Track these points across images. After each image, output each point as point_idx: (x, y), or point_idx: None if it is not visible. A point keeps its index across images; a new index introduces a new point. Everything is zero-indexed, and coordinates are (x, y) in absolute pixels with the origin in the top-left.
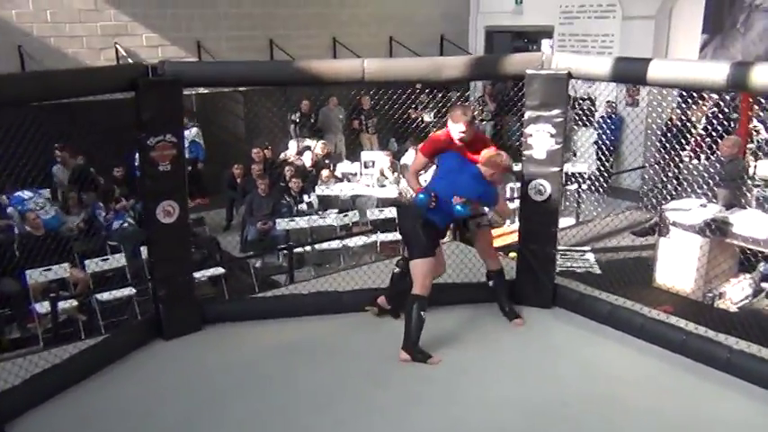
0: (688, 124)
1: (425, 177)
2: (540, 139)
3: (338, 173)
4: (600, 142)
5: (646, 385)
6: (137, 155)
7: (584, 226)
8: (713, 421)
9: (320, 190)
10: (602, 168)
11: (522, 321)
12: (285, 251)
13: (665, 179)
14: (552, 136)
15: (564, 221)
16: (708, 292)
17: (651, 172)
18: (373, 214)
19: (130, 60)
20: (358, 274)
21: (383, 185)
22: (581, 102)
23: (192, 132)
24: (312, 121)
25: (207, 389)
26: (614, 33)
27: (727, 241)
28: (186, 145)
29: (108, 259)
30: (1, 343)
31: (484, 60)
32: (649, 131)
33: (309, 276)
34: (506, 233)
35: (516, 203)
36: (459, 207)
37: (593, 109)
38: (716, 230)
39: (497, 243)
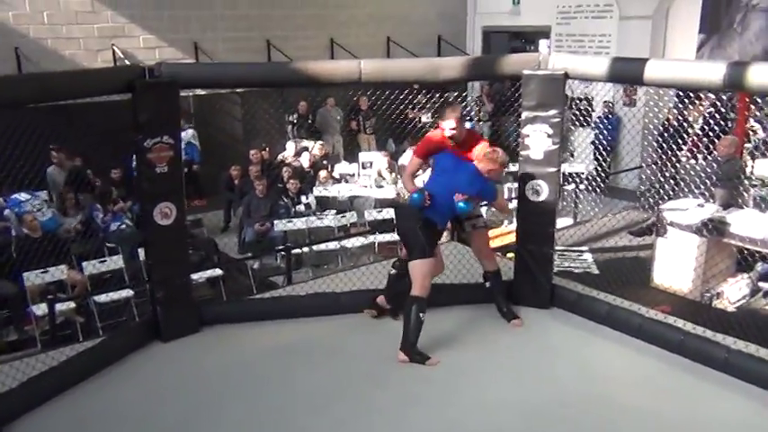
0: (685, 124)
1: (423, 178)
2: (537, 139)
3: (336, 174)
4: (597, 142)
5: (644, 385)
6: (134, 156)
7: (581, 226)
8: (711, 421)
9: (318, 191)
10: (600, 168)
11: (521, 322)
12: (283, 252)
13: (662, 179)
14: (549, 136)
15: (561, 222)
16: (705, 292)
17: (648, 172)
18: (371, 215)
19: (128, 62)
20: (356, 275)
21: (381, 186)
22: (578, 102)
23: (187, 134)
24: (309, 122)
25: (205, 390)
26: (611, 33)
27: (725, 241)
28: (182, 147)
29: (106, 261)
30: None
31: (481, 61)
32: (646, 131)
33: (307, 277)
34: (504, 233)
35: (514, 204)
36: (461, 204)
37: (590, 109)
38: (713, 230)
39: (495, 243)
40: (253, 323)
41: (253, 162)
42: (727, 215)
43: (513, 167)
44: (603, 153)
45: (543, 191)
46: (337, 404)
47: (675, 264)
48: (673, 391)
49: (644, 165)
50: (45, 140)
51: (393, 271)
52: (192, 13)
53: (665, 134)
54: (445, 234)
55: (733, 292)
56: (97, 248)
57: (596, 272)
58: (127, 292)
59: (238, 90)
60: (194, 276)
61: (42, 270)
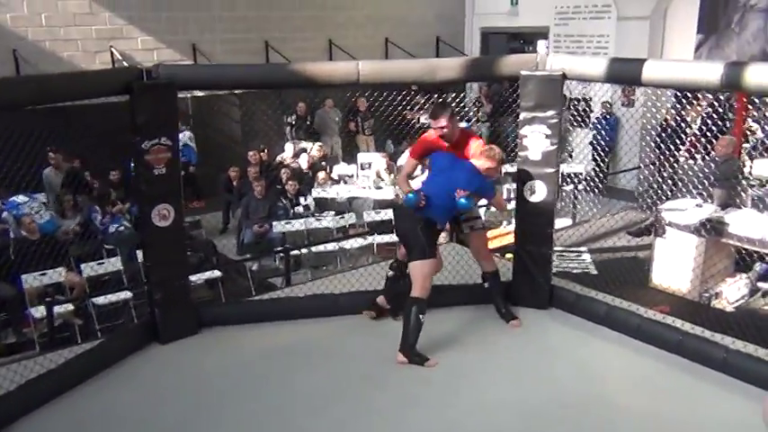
0: (683, 124)
1: (422, 179)
2: (535, 140)
3: (334, 175)
4: (595, 143)
5: (643, 386)
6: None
7: (580, 226)
8: (710, 421)
9: (316, 192)
10: (598, 169)
11: (519, 323)
12: (281, 254)
13: (660, 179)
14: (548, 137)
15: (560, 222)
16: (704, 292)
17: (647, 172)
18: (370, 216)
19: (126, 64)
20: (354, 276)
21: (380, 187)
22: (576, 102)
23: (184, 136)
24: (308, 123)
25: (204, 392)
26: (609, 34)
27: (723, 241)
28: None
29: (104, 263)
30: None
31: (478, 62)
32: (644, 132)
33: (306, 279)
34: (503, 234)
35: (512, 204)
36: (463, 200)
37: (587, 110)
38: (711, 230)
39: (494, 244)
40: (251, 325)
41: (251, 163)
42: (726, 215)
43: (512, 168)
44: (602, 153)
45: (542, 191)
46: (336, 405)
47: (674, 264)
48: (671, 392)
49: (642, 165)
50: (43, 142)
51: (391, 272)
52: (190, 15)
53: (664, 134)
54: (444, 235)
55: (731, 292)
56: (95, 250)
57: (595, 272)
58: (125, 294)
59: (237, 91)
60: (193, 278)
61: (41, 272)
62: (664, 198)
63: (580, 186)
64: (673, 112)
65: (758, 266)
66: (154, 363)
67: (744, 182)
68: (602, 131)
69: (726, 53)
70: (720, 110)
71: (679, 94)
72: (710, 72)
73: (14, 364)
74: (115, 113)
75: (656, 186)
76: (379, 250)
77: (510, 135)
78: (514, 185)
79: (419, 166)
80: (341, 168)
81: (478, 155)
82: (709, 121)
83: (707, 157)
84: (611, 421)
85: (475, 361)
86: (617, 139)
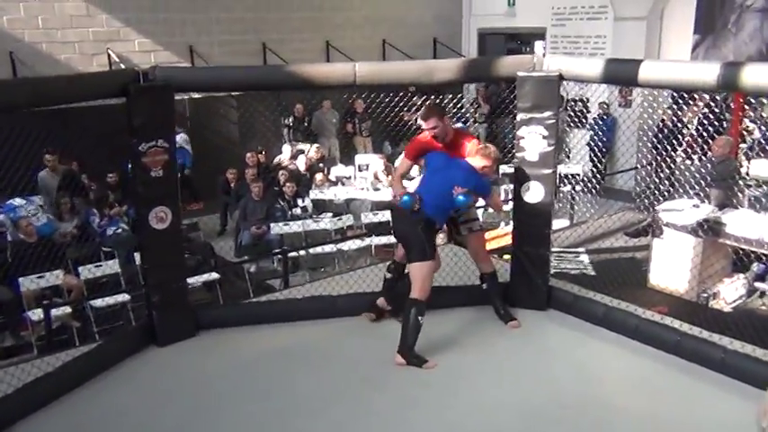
0: (680, 125)
1: (418, 180)
2: (532, 140)
3: (332, 176)
4: (593, 143)
5: (641, 386)
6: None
7: (578, 227)
8: (708, 422)
9: (314, 194)
10: (596, 170)
11: (518, 323)
12: (279, 256)
13: (657, 180)
14: (545, 138)
15: (558, 223)
16: (702, 293)
17: (644, 173)
18: (367, 218)
19: (123, 66)
20: (352, 278)
21: (377, 189)
22: (574, 103)
23: (179, 138)
24: (306, 124)
25: (202, 395)
26: (606, 35)
27: (721, 241)
28: None
29: (102, 265)
30: None
31: (475, 63)
32: (641, 132)
33: (304, 281)
34: (500, 235)
35: (510, 205)
36: (461, 197)
37: (585, 111)
38: (709, 231)
39: (492, 245)
40: (250, 327)
41: (249, 165)
42: (723, 215)
43: (510, 169)
44: (599, 154)
45: (539, 192)
46: (335, 407)
47: (672, 264)
48: (669, 392)
49: (640, 166)
50: (40, 144)
51: (389, 275)
52: (187, 17)
53: (661, 135)
54: (441, 236)
55: (729, 292)
56: (93, 252)
57: (593, 273)
58: (123, 297)
59: (234, 93)
60: (191, 280)
61: (38, 275)
62: (661, 199)
63: (578, 187)
64: (669, 112)
65: (755, 266)
66: (152, 365)
67: (741, 182)
68: (600, 132)
69: (723, 53)
70: (717, 110)
71: (676, 94)
72: (707, 72)
73: (12, 367)
74: (112, 115)
75: (653, 187)
76: (377, 252)
77: (507, 136)
78: (512, 186)
79: (417, 168)
80: (338, 170)
81: (474, 153)
82: (705, 122)
83: (704, 157)
84: (610, 422)
85: (473, 362)
86: (614, 139)
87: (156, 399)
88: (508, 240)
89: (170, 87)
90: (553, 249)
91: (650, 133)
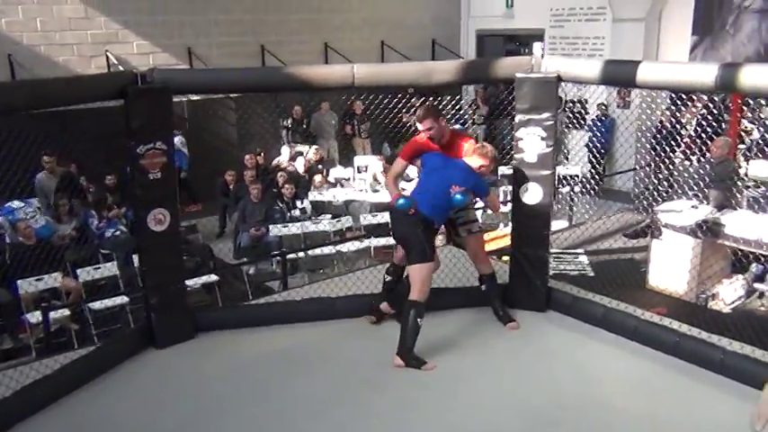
0: (678, 126)
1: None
2: (530, 142)
3: (331, 178)
4: (591, 145)
5: (640, 387)
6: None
7: (576, 228)
8: (707, 423)
9: (313, 195)
10: (595, 171)
11: (517, 325)
12: (278, 257)
13: (656, 181)
14: (543, 139)
15: (556, 224)
16: (701, 294)
17: (642, 174)
18: (366, 219)
19: (121, 68)
20: (351, 279)
21: (376, 190)
22: (572, 104)
23: (175, 141)
24: (304, 126)
25: (201, 397)
26: (605, 36)
27: (719, 242)
28: None
29: (100, 268)
30: None
31: (474, 64)
32: (640, 133)
33: (303, 282)
34: (499, 237)
35: (508, 207)
36: (458, 196)
37: (583, 112)
38: (708, 232)
39: (490, 247)
40: (248, 329)
41: (248, 167)
42: (722, 216)
43: (508, 170)
44: (598, 155)
45: (538, 194)
46: (335, 409)
47: (670, 265)
48: (668, 393)
49: (638, 167)
50: (38, 147)
51: (388, 277)
52: (185, 19)
53: (659, 136)
54: (440, 238)
55: (728, 293)
56: (91, 255)
57: (592, 274)
58: (121, 299)
59: (232, 95)
60: (190, 282)
61: (37, 277)
62: (660, 200)
63: (576, 188)
64: (668, 113)
65: (754, 267)
66: (150, 368)
67: (739, 183)
68: (598, 133)
69: (721, 54)
70: (716, 111)
71: (674, 95)
72: (705, 74)
73: (10, 369)
74: (111, 117)
75: (652, 188)
76: (376, 253)
77: (506, 137)
78: (510, 188)
79: (416, 169)
80: (337, 171)
81: (471, 153)
82: (704, 123)
83: (702, 158)
84: (609, 423)
85: (473, 364)
86: (613, 140)
87: (154, 401)
88: (507, 242)
89: (168, 89)
90: (552, 251)
91: (649, 134)
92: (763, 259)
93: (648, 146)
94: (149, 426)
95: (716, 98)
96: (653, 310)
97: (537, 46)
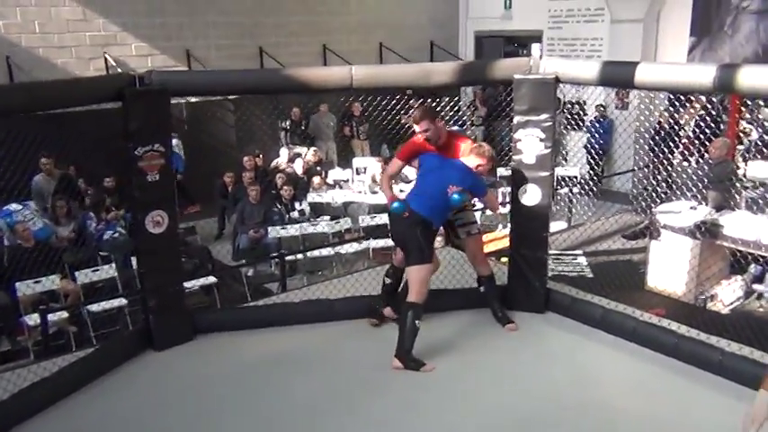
0: (676, 127)
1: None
2: (529, 143)
3: (330, 180)
4: (589, 146)
5: (639, 389)
6: None
7: (575, 230)
8: (706, 424)
9: (312, 197)
10: (593, 172)
11: (515, 326)
12: (277, 259)
13: (655, 182)
14: (541, 140)
15: (555, 225)
16: (699, 295)
17: (641, 175)
18: (365, 221)
19: (120, 70)
20: (350, 281)
21: (375, 192)
22: (571, 106)
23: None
24: (303, 128)
25: (199, 399)
26: (603, 37)
27: (718, 243)
28: None
29: (98, 270)
30: None
31: (472, 66)
32: (638, 134)
33: (302, 284)
34: (498, 238)
35: (507, 208)
36: (455, 196)
37: (581, 113)
38: (706, 233)
39: (489, 248)
40: (247, 331)
41: (246, 169)
42: (720, 217)
43: (507, 172)
44: (596, 156)
45: (536, 195)
46: (333, 411)
47: (669, 266)
48: (667, 394)
49: (637, 168)
50: (36, 149)
51: (388, 280)
52: (184, 21)
53: (658, 137)
54: (439, 239)
55: (727, 294)
56: (90, 257)
57: (590, 275)
58: (120, 301)
59: (231, 97)
60: (188, 284)
61: (35, 280)
62: (658, 201)
63: (575, 189)
64: (666, 114)
65: (753, 268)
66: (149, 370)
67: (738, 184)
68: (597, 134)
69: (719, 55)
70: (714, 112)
71: (672, 96)
72: (703, 74)
73: (8, 372)
74: (109, 120)
75: (650, 189)
76: (375, 255)
77: (504, 139)
78: (509, 189)
79: (413, 171)
80: (336, 173)
81: (468, 153)
82: (702, 124)
83: (701, 159)
84: (608, 424)
85: (471, 365)
86: (611, 141)
87: (153, 403)
88: (506, 243)
89: (166, 91)
90: (551, 252)
91: (647, 135)
92: (761, 260)
93: (647, 147)
94: (148, 428)
95: (714, 99)
96: (652, 311)
97: (535, 47)
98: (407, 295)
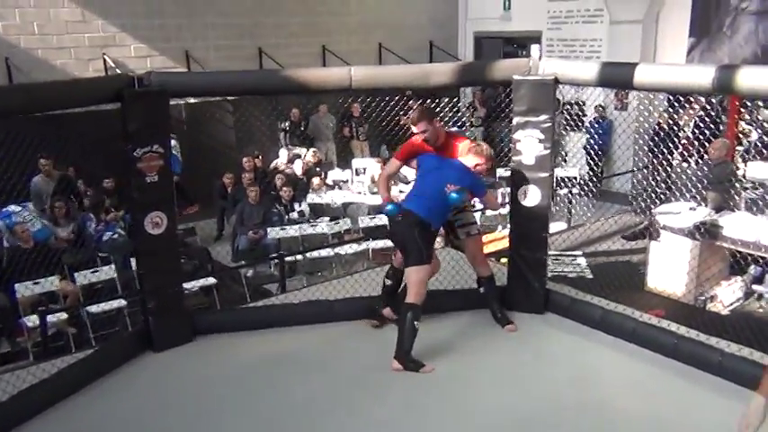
0: (676, 128)
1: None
2: (528, 144)
3: (329, 180)
4: (589, 146)
5: (638, 389)
6: None
7: (575, 230)
8: (705, 425)
9: (311, 198)
10: (593, 173)
11: (515, 327)
12: (277, 260)
13: (654, 183)
14: (541, 141)
15: (555, 226)
16: (699, 296)
17: (640, 176)
18: (365, 221)
19: (119, 71)
20: (349, 282)
21: (374, 192)
22: (570, 106)
23: None
24: (302, 129)
25: (198, 401)
26: (602, 38)
27: (718, 244)
28: None
29: (98, 271)
30: None
31: (471, 66)
32: (637, 135)
33: (301, 285)
34: (498, 239)
35: (507, 209)
36: (453, 194)
37: (579, 114)
38: (706, 233)
39: (489, 249)
40: (247, 332)
41: (246, 170)
42: (720, 218)
43: (506, 173)
44: (596, 157)
45: (536, 196)
46: (332, 413)
47: (669, 267)
48: (667, 395)
49: (636, 168)
50: (34, 150)
51: (388, 281)
52: (183, 22)
53: (657, 138)
54: (439, 240)
55: (726, 295)
56: (89, 258)
57: (590, 276)
58: (119, 303)
59: (230, 98)
60: (188, 285)
61: (34, 281)
62: (658, 201)
63: (575, 190)
64: (666, 115)
65: (752, 269)
66: (148, 371)
67: (737, 185)
68: (596, 135)
69: (718, 56)
70: (713, 113)
71: (672, 97)
72: (703, 75)
73: (7, 373)
74: (109, 121)
75: (650, 190)
76: (375, 256)
77: (504, 140)
78: (509, 190)
79: (413, 172)
80: (335, 174)
81: (466, 152)
82: (702, 125)
83: (700, 160)
84: (608, 424)
85: (471, 366)
86: (610, 142)
87: (152, 405)
88: (505, 244)
89: (165, 92)
90: (550, 252)
91: (646, 136)
92: (761, 261)
93: (646, 148)
94: (148, 429)
95: (713, 100)
96: (651, 312)
97: (534, 48)
98: (406, 296)
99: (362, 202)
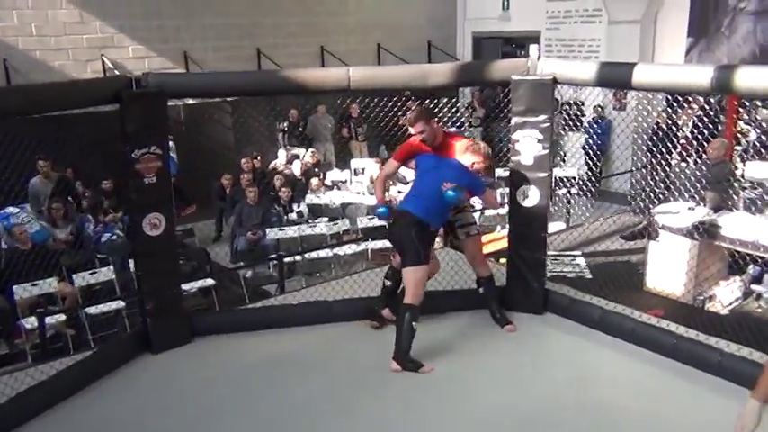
0: (674, 128)
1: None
2: (527, 144)
3: (328, 181)
4: (588, 146)
5: (637, 390)
6: None
7: (574, 230)
8: (705, 425)
9: (310, 199)
10: (591, 173)
11: (514, 327)
12: (275, 261)
13: (653, 183)
14: (539, 141)
15: (554, 226)
16: (698, 295)
17: (639, 176)
18: (363, 222)
19: (117, 72)
20: (348, 283)
21: (373, 193)
22: (568, 106)
23: None
24: (301, 129)
25: (197, 402)
26: (600, 38)
27: (717, 244)
28: None
29: (96, 272)
30: None
31: (470, 67)
32: (636, 135)
33: (300, 286)
34: (497, 239)
35: (505, 209)
36: (450, 192)
37: (578, 114)
38: (705, 233)
39: (488, 249)
40: (245, 333)
41: (244, 170)
42: (719, 218)
43: (505, 173)
44: (594, 157)
45: (534, 196)
46: (332, 413)
47: (668, 267)
48: (666, 395)
49: (635, 168)
50: (32, 152)
51: (388, 282)
52: (181, 23)
53: (656, 138)
54: (438, 240)
55: (725, 294)
56: (87, 260)
57: (589, 276)
58: (117, 304)
59: (229, 99)
60: (186, 286)
61: (32, 283)
62: (657, 201)
63: (573, 190)
64: (664, 115)
65: (751, 269)
66: (147, 373)
67: (736, 184)
68: (595, 135)
69: (716, 56)
70: (712, 113)
71: (670, 97)
72: (701, 75)
73: (6, 375)
74: (107, 122)
75: (648, 190)
76: (374, 256)
77: (502, 140)
78: (507, 190)
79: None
80: (334, 174)
81: (464, 151)
82: (700, 125)
83: (699, 160)
84: (607, 425)
85: (470, 366)
86: (609, 142)
87: (151, 406)
88: (504, 244)
89: (163, 93)
90: (549, 253)
91: (645, 136)
92: (760, 261)
93: (645, 147)
94: (146, 431)
95: (712, 100)
96: (650, 311)
97: (533, 48)
98: (404, 297)
99: (361, 202)
